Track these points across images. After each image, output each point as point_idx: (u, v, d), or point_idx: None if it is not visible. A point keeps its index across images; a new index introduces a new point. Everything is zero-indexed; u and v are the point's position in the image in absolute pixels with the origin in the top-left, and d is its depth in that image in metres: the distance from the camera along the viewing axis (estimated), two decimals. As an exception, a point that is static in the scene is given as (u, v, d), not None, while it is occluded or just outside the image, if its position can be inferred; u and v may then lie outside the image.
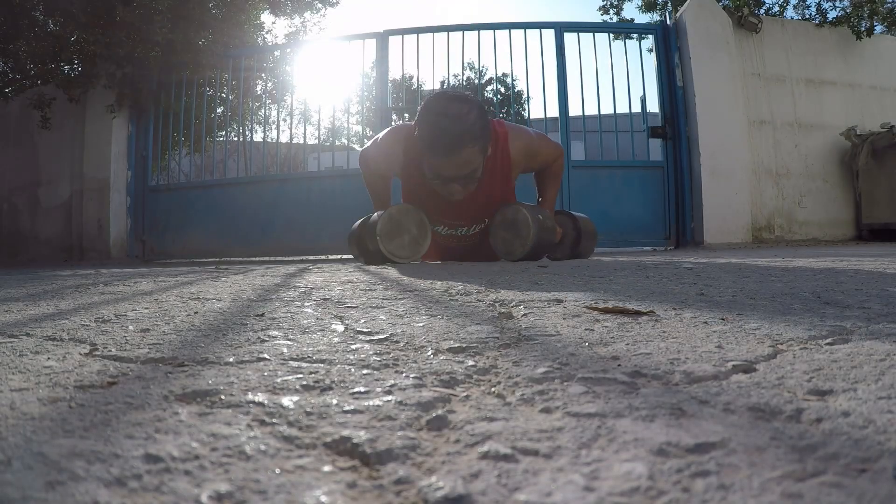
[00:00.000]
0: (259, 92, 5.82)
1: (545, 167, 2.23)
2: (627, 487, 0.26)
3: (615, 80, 5.00)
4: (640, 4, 6.14)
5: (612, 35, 4.54)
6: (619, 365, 0.49)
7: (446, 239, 2.21)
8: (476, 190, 2.00)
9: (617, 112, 4.12)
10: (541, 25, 4.17)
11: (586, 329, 0.67)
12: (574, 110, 4.18)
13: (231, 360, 0.55)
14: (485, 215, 2.12)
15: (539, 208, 2.14)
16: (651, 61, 4.46)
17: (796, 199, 4.49)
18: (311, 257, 4.19)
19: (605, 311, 0.79)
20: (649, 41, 4.61)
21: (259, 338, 0.66)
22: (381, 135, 2.17)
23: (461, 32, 4.14)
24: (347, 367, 0.51)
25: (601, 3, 6.66)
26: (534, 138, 2.14)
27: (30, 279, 1.95)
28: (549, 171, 2.24)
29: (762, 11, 5.36)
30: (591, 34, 4.24)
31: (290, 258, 4.27)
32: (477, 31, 4.18)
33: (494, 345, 0.59)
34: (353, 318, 0.80)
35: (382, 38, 4.25)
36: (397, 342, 0.62)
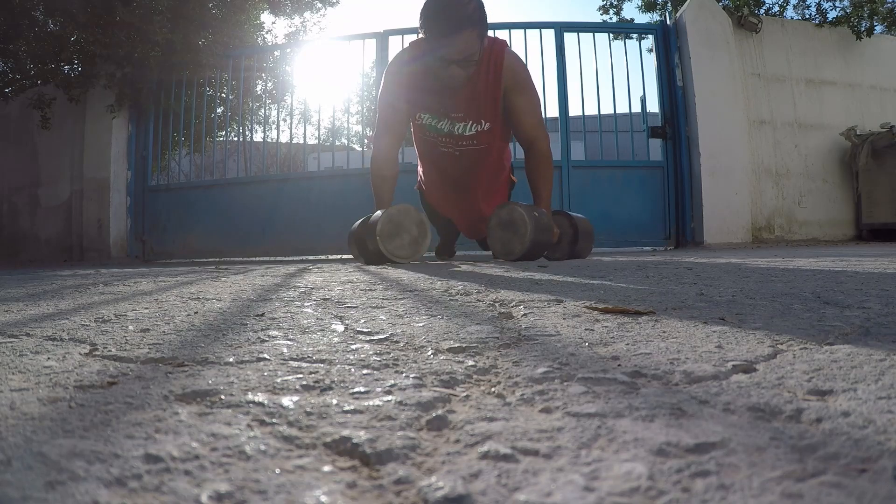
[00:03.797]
0: (259, 92, 5.82)
1: (525, 133, 2.26)
2: (627, 487, 0.26)
3: (615, 80, 5.00)
4: (640, 4, 6.13)
5: (612, 35, 4.54)
6: (619, 365, 0.49)
7: (446, 141, 2.29)
8: (473, 84, 2.12)
9: (617, 112, 4.11)
10: (541, 25, 4.17)
11: (586, 329, 0.67)
12: (574, 110, 4.18)
13: (231, 360, 0.55)
14: (478, 113, 2.20)
15: (536, 207, 2.15)
16: (651, 61, 4.46)
17: (796, 199, 4.49)
18: (311, 257, 4.19)
19: (605, 311, 0.79)
20: (649, 41, 4.61)
21: (259, 338, 0.66)
22: (382, 84, 2.28)
23: (461, 32, 4.13)
24: (347, 367, 0.51)
25: (601, 3, 6.65)
26: (529, 77, 2.24)
27: (30, 279, 1.95)
28: (536, 161, 2.26)
29: (762, 11, 5.36)
30: (590, 34, 4.24)
31: (290, 258, 4.27)
32: (477, 31, 4.17)
33: (494, 345, 0.59)
34: (353, 318, 0.80)
35: (382, 38, 4.25)
36: (397, 342, 0.62)
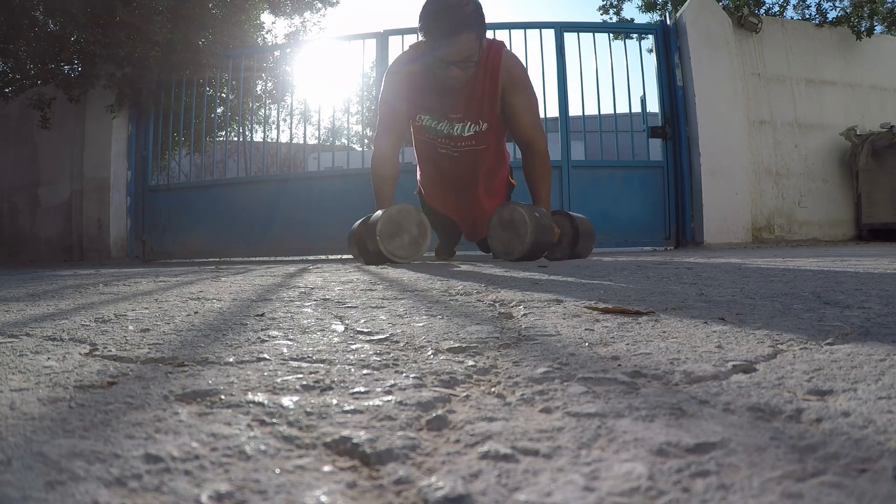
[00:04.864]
0: (259, 92, 5.81)
1: (523, 132, 2.27)
2: (627, 487, 0.26)
3: (615, 80, 4.99)
4: (640, 4, 6.13)
5: (611, 35, 4.54)
6: (619, 365, 0.49)
7: (445, 143, 2.30)
8: (472, 85, 2.14)
9: (617, 112, 4.11)
10: (541, 25, 4.17)
11: (586, 329, 0.67)
12: (574, 110, 4.18)
13: (231, 360, 0.55)
14: (476, 114, 2.21)
15: (536, 207, 2.15)
16: (651, 61, 4.46)
17: (796, 199, 4.49)
18: (311, 257, 4.19)
19: (605, 311, 0.79)
20: (649, 41, 4.61)
21: (259, 338, 0.66)
22: (383, 85, 2.29)
23: (461, 32, 4.13)
24: (347, 367, 0.51)
25: (601, 3, 6.65)
26: (527, 77, 2.25)
27: (30, 279, 1.95)
28: (533, 161, 2.27)
29: (762, 11, 5.36)
30: (590, 34, 4.24)
31: (290, 258, 4.27)
32: (477, 31, 4.17)
33: (494, 345, 0.59)
34: (353, 318, 0.80)
35: (382, 38, 4.25)
36: (397, 342, 0.62)
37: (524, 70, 2.23)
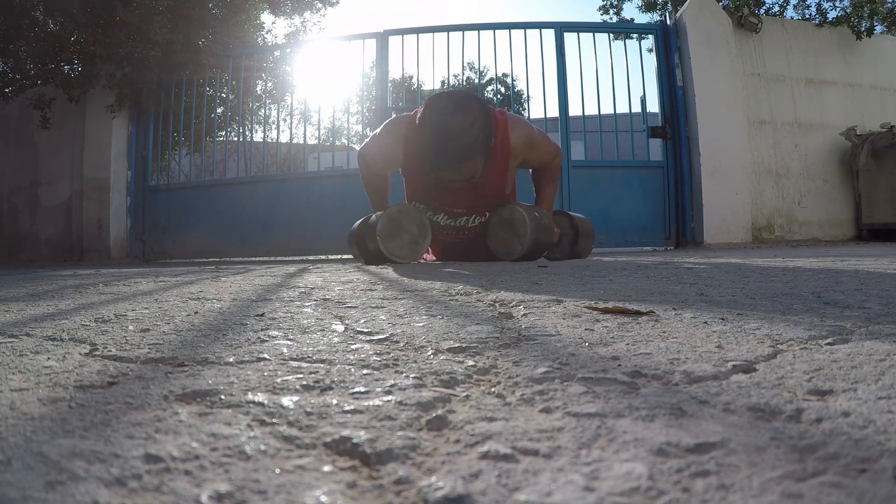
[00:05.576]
0: (259, 92, 5.81)
1: (543, 165, 2.23)
2: (627, 487, 0.26)
3: (615, 80, 5.00)
4: (640, 4, 6.13)
5: (612, 35, 4.54)
6: (619, 365, 0.49)
7: (446, 232, 2.22)
8: (481, 181, 2.03)
9: (617, 112, 4.12)
10: (541, 25, 4.17)
11: (586, 329, 0.67)
12: (574, 110, 4.18)
13: (231, 360, 0.55)
14: (483, 206, 2.13)
15: (536, 207, 2.15)
16: (651, 61, 4.46)
17: (796, 199, 4.49)
18: (311, 257, 4.19)
19: (605, 311, 0.79)
20: (649, 41, 4.61)
21: (259, 338, 0.66)
22: (378, 130, 2.18)
23: (461, 32, 4.14)
24: (347, 367, 0.51)
25: (601, 3, 6.66)
26: (534, 130, 2.15)
27: (30, 279, 1.95)
28: (546, 171, 2.24)
29: (762, 11, 5.36)
30: (591, 34, 4.24)
31: (290, 258, 4.27)
32: (477, 32, 4.18)
33: (494, 345, 0.59)
34: (353, 318, 0.80)
35: (382, 38, 4.25)
36: (397, 342, 0.62)
37: (529, 127, 2.14)
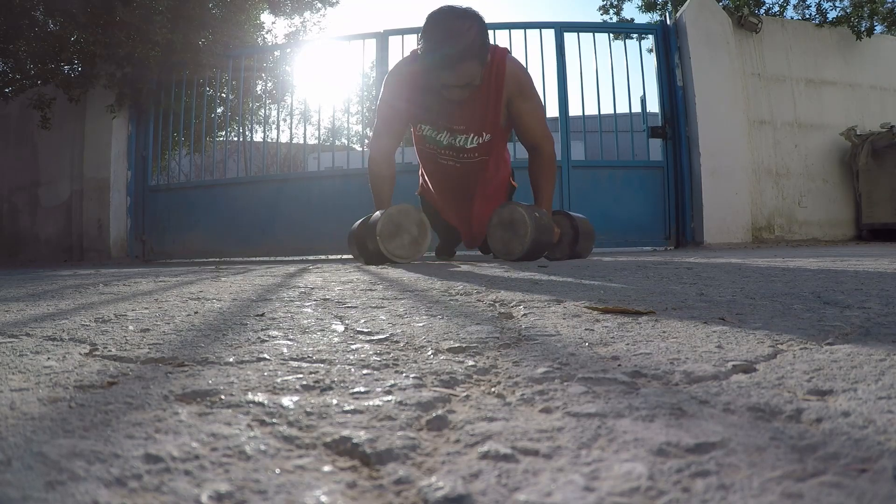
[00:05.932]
0: (259, 92, 5.81)
1: (532, 142, 2.26)
2: (627, 487, 0.26)
3: (615, 80, 4.99)
4: (640, 4, 6.13)
5: (612, 35, 4.54)
6: (619, 365, 0.49)
7: (447, 153, 2.30)
8: (475, 96, 2.12)
9: (617, 112, 4.11)
10: (541, 25, 4.17)
11: (586, 329, 0.67)
12: (574, 110, 4.18)
13: (231, 360, 0.55)
14: (480, 126, 2.21)
15: (536, 207, 2.15)
16: (651, 61, 4.46)
17: (796, 199, 4.49)
18: (311, 257, 4.19)
19: (605, 311, 0.79)
20: (649, 41, 4.61)
21: (259, 338, 0.66)
22: (383, 87, 2.27)
23: (461, 32, 4.13)
24: (347, 367, 0.51)
25: (601, 3, 6.65)
26: (530, 80, 2.23)
27: (30, 279, 1.95)
28: (540, 163, 2.26)
29: (762, 11, 5.36)
30: (591, 34, 4.24)
31: (290, 258, 4.27)
32: (477, 31, 4.17)
33: (494, 345, 0.59)
34: (353, 318, 0.80)
35: (382, 38, 4.25)
36: (397, 342, 0.62)
37: (529, 76, 2.22)
